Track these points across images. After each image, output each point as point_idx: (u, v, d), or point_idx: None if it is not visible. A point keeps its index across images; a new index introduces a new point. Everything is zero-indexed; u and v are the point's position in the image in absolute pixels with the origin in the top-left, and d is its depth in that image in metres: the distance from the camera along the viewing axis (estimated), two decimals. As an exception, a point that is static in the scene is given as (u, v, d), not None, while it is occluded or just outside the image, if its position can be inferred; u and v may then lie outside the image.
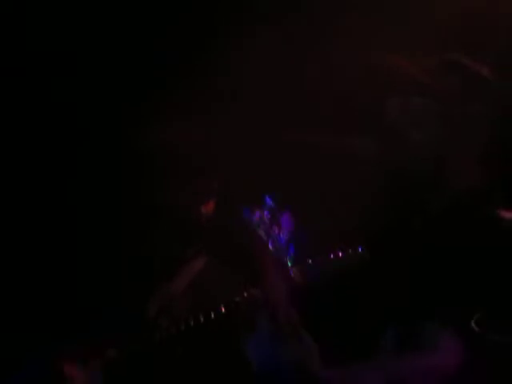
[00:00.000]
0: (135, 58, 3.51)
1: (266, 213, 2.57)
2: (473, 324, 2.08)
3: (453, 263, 2.08)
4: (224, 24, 3.51)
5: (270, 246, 2.37)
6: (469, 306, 2.07)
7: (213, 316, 2.66)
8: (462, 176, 2.19)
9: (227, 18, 3.51)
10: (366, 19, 3.09)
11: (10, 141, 3.44)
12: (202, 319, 2.70)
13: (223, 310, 2.64)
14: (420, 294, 2.10)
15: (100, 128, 3.48)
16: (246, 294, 2.63)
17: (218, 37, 3.49)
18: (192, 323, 2.72)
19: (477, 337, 2.09)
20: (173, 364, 2.77)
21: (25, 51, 3.43)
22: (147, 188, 3.21)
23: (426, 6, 3.10)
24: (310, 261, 2.38)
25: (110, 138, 3.47)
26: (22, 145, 3.45)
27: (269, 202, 2.45)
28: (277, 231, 2.38)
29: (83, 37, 3.47)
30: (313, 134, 2.39)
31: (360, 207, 2.29)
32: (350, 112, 2.76)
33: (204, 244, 2.99)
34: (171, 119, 3.29)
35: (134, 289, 3.03)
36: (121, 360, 2.77)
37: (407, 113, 2.24)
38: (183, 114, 3.29)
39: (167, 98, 3.40)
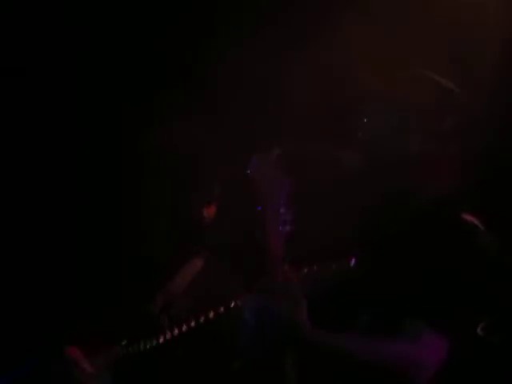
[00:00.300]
0: (134, 58, 3.51)
1: None
2: (457, 323, 2.11)
3: (428, 266, 2.12)
4: (224, 24, 3.51)
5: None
6: (452, 306, 2.10)
7: (212, 316, 2.67)
8: (433, 184, 2.25)
9: (227, 18, 3.51)
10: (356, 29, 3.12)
11: (10, 141, 3.45)
12: (202, 319, 2.70)
13: (223, 311, 2.65)
14: (408, 295, 2.13)
15: (100, 128, 3.48)
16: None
17: (217, 37, 3.50)
18: (193, 323, 2.72)
19: (461, 335, 2.12)
20: (175, 363, 2.78)
21: (25, 52, 3.44)
22: (148, 189, 3.22)
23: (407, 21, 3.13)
24: (306, 270, 2.40)
25: (109, 139, 3.48)
26: (21, 145, 3.46)
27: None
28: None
29: (83, 37, 3.48)
30: (304, 144, 2.42)
31: (347, 217, 2.32)
32: (335, 123, 2.80)
33: (205, 244, 3.00)
34: (171, 120, 3.29)
35: (135, 288, 3.04)
36: (124, 359, 2.78)
37: (383, 125, 2.28)
38: (183, 114, 3.29)
39: (167, 98, 3.41)
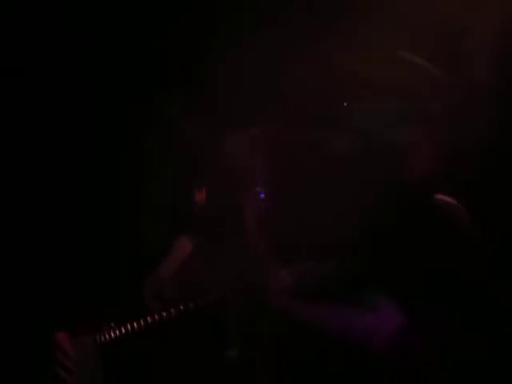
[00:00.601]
0: (134, 58, 3.52)
1: None
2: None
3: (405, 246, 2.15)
4: (224, 24, 3.51)
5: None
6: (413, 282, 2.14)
7: (201, 303, 2.68)
8: (419, 169, 2.27)
9: (227, 18, 3.51)
10: (364, 21, 3.10)
11: (10, 141, 3.46)
12: (191, 305, 2.70)
13: (211, 299, 2.65)
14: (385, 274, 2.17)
15: (99, 128, 3.49)
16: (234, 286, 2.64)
17: (217, 37, 3.50)
18: (182, 308, 2.72)
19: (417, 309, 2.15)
20: (165, 348, 2.77)
21: (25, 51, 3.45)
22: (141, 176, 3.24)
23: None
24: (299, 265, 2.41)
25: (109, 138, 3.49)
26: (21, 145, 3.47)
27: None
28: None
29: (83, 37, 3.48)
30: (301, 132, 2.43)
31: (336, 203, 2.33)
32: (324, 110, 2.79)
33: (195, 229, 2.99)
34: (171, 119, 3.30)
35: (125, 275, 3.06)
36: (114, 342, 2.77)
37: (372, 112, 2.29)
38: (183, 113, 3.30)
39: (167, 98, 3.41)
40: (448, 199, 2.27)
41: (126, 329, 2.76)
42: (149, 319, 2.73)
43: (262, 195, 2.39)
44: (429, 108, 2.25)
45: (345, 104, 2.31)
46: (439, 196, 2.25)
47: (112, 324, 2.78)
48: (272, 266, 2.24)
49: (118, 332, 2.76)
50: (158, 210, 3.16)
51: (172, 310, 2.71)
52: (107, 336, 2.75)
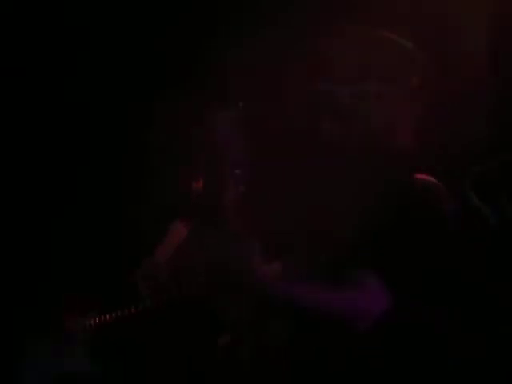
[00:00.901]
0: (134, 58, 3.52)
1: None
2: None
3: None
4: (224, 24, 3.52)
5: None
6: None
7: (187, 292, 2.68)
8: (397, 146, 2.27)
9: (227, 18, 3.52)
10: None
11: (12, 139, 3.47)
12: (184, 290, 2.71)
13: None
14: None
15: (98, 128, 3.50)
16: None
17: (217, 37, 3.50)
18: (175, 292, 2.72)
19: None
20: (156, 333, 2.78)
21: (24, 51, 3.46)
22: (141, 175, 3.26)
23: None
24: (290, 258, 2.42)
25: (108, 138, 3.50)
26: (22, 144, 3.48)
27: None
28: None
29: (83, 37, 3.49)
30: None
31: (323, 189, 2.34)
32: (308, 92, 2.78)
33: (191, 215, 2.99)
34: (170, 118, 3.30)
35: (119, 258, 3.07)
36: (105, 327, 2.77)
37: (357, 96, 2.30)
38: (183, 114, 3.30)
39: (167, 98, 3.41)
40: (429, 179, 2.27)
41: (114, 315, 2.76)
42: (133, 308, 2.73)
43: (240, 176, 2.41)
44: (407, 84, 2.25)
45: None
46: (420, 176, 2.25)
47: (104, 311, 2.78)
48: (261, 254, 2.24)
49: (106, 318, 2.77)
50: (157, 205, 3.17)
51: (157, 299, 2.71)
52: (96, 321, 2.75)
